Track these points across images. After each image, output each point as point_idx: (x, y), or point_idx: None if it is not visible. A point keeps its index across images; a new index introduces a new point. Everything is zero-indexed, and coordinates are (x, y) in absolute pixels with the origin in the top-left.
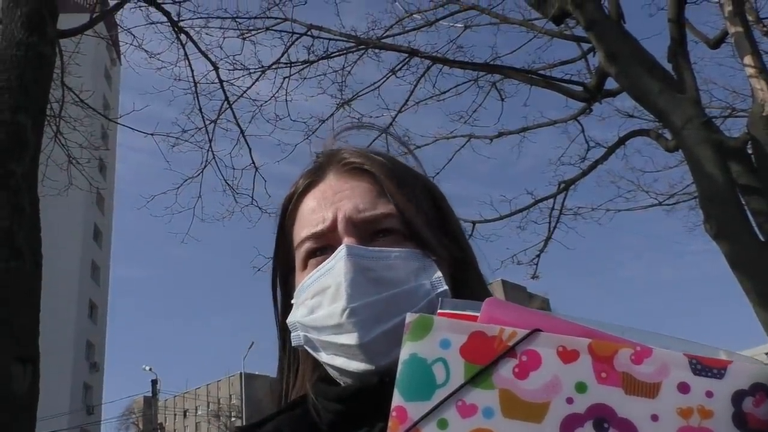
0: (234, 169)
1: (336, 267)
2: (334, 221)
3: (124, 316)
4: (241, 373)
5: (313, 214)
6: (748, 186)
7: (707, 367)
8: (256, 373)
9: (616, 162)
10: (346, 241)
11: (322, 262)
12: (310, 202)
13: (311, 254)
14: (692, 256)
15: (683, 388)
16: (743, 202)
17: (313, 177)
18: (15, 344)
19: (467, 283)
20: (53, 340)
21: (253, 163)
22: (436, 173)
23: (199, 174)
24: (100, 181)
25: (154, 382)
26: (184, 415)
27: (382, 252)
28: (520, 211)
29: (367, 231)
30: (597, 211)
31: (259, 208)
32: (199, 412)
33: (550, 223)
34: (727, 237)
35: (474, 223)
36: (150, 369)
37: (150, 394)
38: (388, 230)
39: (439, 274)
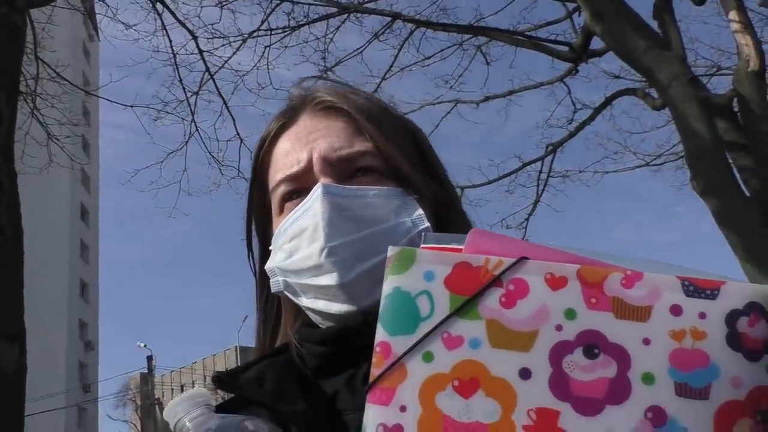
0: (218, 141)
1: (313, 207)
2: (310, 161)
3: (116, 294)
4: (236, 347)
5: (288, 156)
6: (735, 143)
7: (700, 288)
8: (252, 345)
9: (603, 124)
10: (323, 180)
11: (298, 205)
12: (283, 145)
13: (287, 197)
14: (679, 217)
15: (675, 310)
16: (729, 159)
17: (286, 118)
18: None
19: (450, 223)
20: (46, 321)
21: (238, 134)
22: None
23: (182, 147)
24: (83, 159)
25: (149, 358)
26: (182, 390)
27: (359, 190)
28: (508, 174)
29: (344, 170)
30: (585, 174)
31: (246, 180)
32: (196, 386)
33: (538, 186)
34: (714, 194)
35: (462, 188)
36: (145, 345)
37: (146, 371)
38: (366, 168)
39: (420, 211)
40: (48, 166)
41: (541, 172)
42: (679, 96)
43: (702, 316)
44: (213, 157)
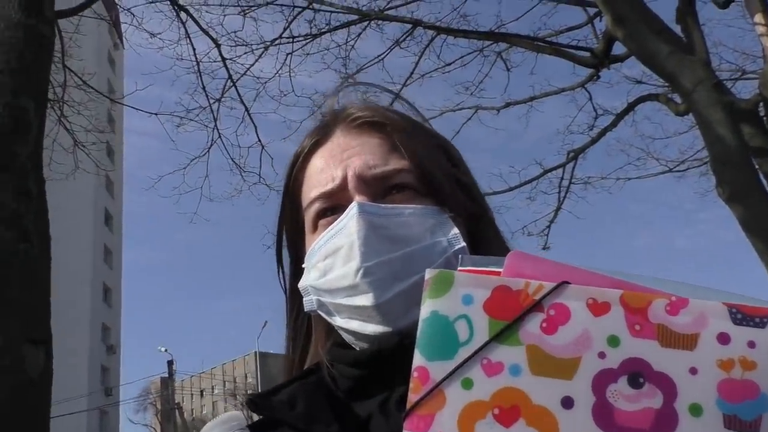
0: (240, 147)
1: (348, 226)
2: (344, 179)
3: (138, 299)
4: (255, 352)
5: (322, 174)
6: (761, 148)
7: (748, 316)
8: (271, 351)
9: (625, 129)
10: (358, 198)
11: (332, 223)
12: (317, 162)
13: (321, 215)
14: (703, 224)
15: (723, 338)
16: (756, 165)
17: (320, 135)
18: (26, 326)
19: (485, 240)
20: (69, 325)
21: (260, 140)
22: None
23: (205, 153)
24: (108, 165)
25: (170, 363)
26: (201, 395)
27: (395, 209)
28: (530, 181)
29: (379, 188)
30: (607, 180)
31: (267, 186)
32: (216, 392)
33: (559, 193)
34: (740, 200)
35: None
36: (166, 350)
37: (167, 375)
38: (401, 186)
39: (456, 230)
40: (74, 172)
41: (562, 178)
42: (704, 101)
43: (751, 345)
44: (235, 163)
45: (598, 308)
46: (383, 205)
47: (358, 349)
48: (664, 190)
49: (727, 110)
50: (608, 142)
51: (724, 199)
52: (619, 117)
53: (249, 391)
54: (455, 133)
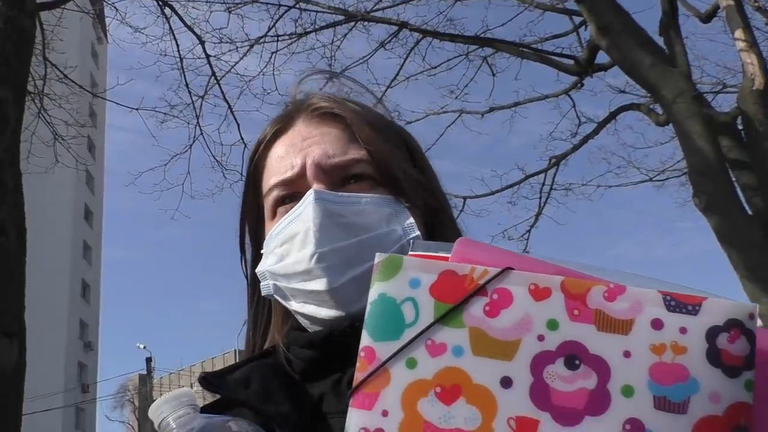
0: (222, 145)
1: (304, 213)
2: (303, 167)
3: (117, 295)
4: (235, 350)
5: (282, 161)
6: (738, 160)
7: (681, 304)
8: None
9: (607, 138)
10: (316, 186)
11: (290, 210)
12: (278, 150)
13: (280, 202)
14: (683, 233)
15: (656, 324)
16: (732, 177)
17: (282, 124)
18: None
19: (441, 231)
20: (47, 321)
21: (242, 138)
22: (427, 149)
23: (186, 150)
24: (88, 160)
25: (148, 360)
26: None
27: (351, 197)
28: (511, 186)
29: (337, 177)
30: (588, 187)
31: None
32: (195, 389)
33: (540, 198)
34: (716, 211)
35: (465, 198)
36: (144, 347)
37: (145, 372)
38: (359, 176)
39: (411, 220)
40: (54, 166)
41: (543, 184)
42: (684, 112)
43: (683, 331)
44: (217, 160)
45: (539, 293)
46: (340, 193)
47: (312, 332)
48: (644, 198)
49: (706, 122)
50: (590, 149)
51: (701, 209)
52: (602, 125)
53: None
54: (439, 136)
